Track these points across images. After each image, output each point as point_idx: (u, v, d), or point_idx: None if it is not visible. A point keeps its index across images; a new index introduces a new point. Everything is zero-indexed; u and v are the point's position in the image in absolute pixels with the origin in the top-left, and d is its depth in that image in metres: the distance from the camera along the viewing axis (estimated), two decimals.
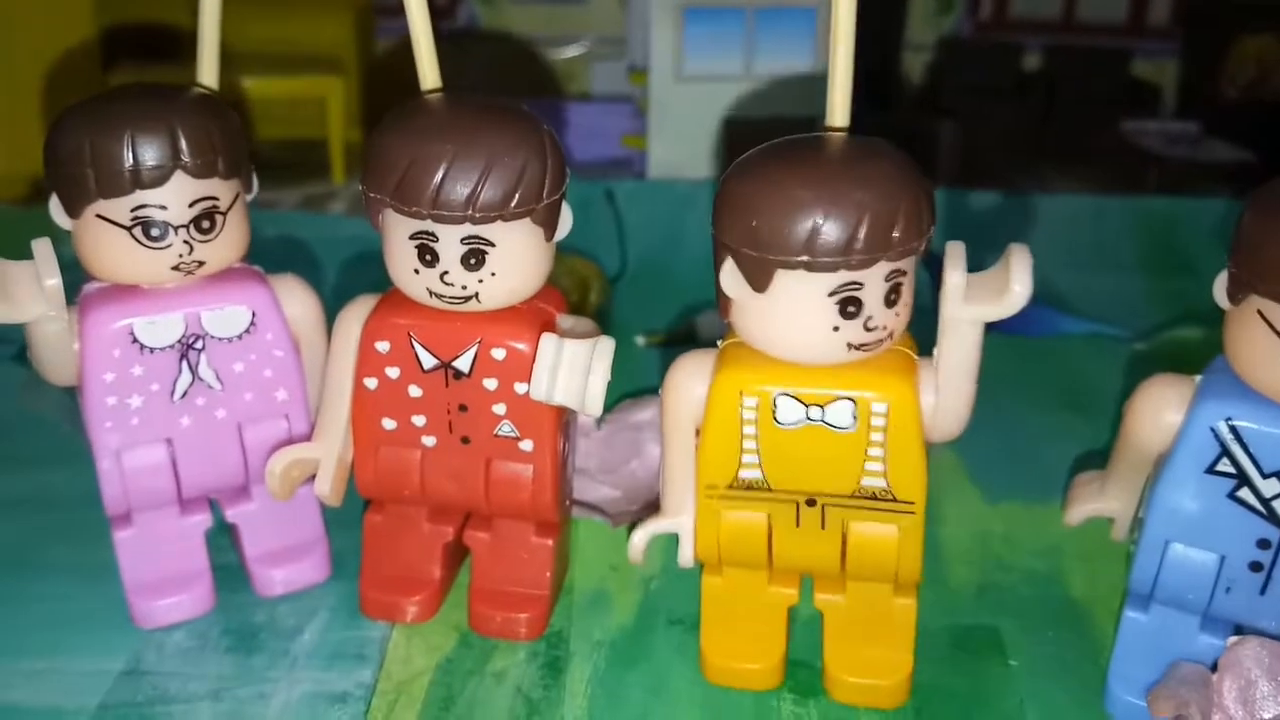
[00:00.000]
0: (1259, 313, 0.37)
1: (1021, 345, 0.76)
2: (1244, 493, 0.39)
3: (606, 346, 0.39)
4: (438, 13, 1.75)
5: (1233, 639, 0.41)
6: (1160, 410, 0.41)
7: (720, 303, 0.40)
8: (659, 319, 0.80)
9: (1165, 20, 1.70)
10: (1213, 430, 0.39)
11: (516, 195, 0.39)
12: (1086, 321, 0.80)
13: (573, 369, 0.39)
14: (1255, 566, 0.40)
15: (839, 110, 0.41)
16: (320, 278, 0.79)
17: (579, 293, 0.80)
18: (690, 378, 0.41)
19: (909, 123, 1.44)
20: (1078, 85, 1.53)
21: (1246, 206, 0.38)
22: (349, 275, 0.83)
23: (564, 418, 0.45)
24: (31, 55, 1.25)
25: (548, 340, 0.39)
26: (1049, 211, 1.00)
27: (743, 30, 1.03)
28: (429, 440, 0.44)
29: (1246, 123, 1.54)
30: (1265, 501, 0.39)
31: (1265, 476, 0.39)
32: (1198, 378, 0.40)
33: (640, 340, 0.77)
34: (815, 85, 1.06)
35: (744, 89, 1.05)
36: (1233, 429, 0.38)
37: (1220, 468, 0.39)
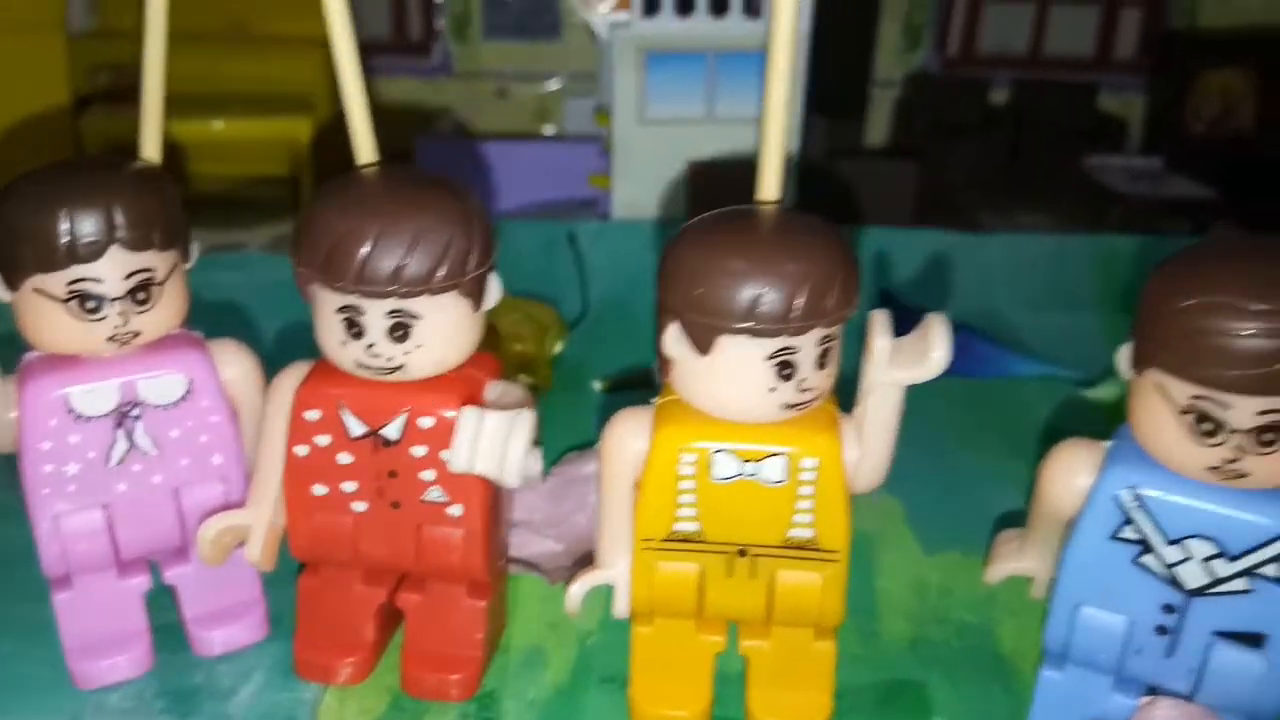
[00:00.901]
0: (1157, 386, 0.38)
1: (972, 388, 0.77)
2: (1148, 559, 0.40)
3: (526, 419, 0.40)
4: (413, 50, 1.78)
5: (1144, 699, 0.42)
6: (1071, 475, 0.42)
7: (660, 363, 0.42)
8: (618, 362, 0.81)
9: (1132, 54, 1.73)
10: (1116, 498, 0.40)
11: (442, 270, 0.40)
12: (1039, 363, 0.81)
13: (493, 440, 0.40)
14: (1161, 630, 0.41)
15: (771, 184, 0.43)
16: (288, 320, 0.79)
17: (536, 339, 0.81)
18: (629, 434, 0.43)
19: (874, 161, 1.46)
20: (1044, 120, 1.55)
21: (1150, 279, 0.39)
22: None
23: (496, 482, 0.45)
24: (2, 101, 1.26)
25: (468, 413, 0.40)
26: (1009, 250, 1.01)
27: (704, 74, 1.05)
28: (359, 506, 0.45)
29: (1211, 158, 1.56)
30: (1168, 567, 0.40)
31: (1169, 543, 0.40)
32: (1108, 444, 0.41)
33: (597, 385, 0.78)
34: None
35: (707, 132, 1.06)
36: (1137, 497, 0.40)
37: (1124, 535, 0.40)
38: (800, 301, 0.38)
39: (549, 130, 1.72)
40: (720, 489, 0.42)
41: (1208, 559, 0.39)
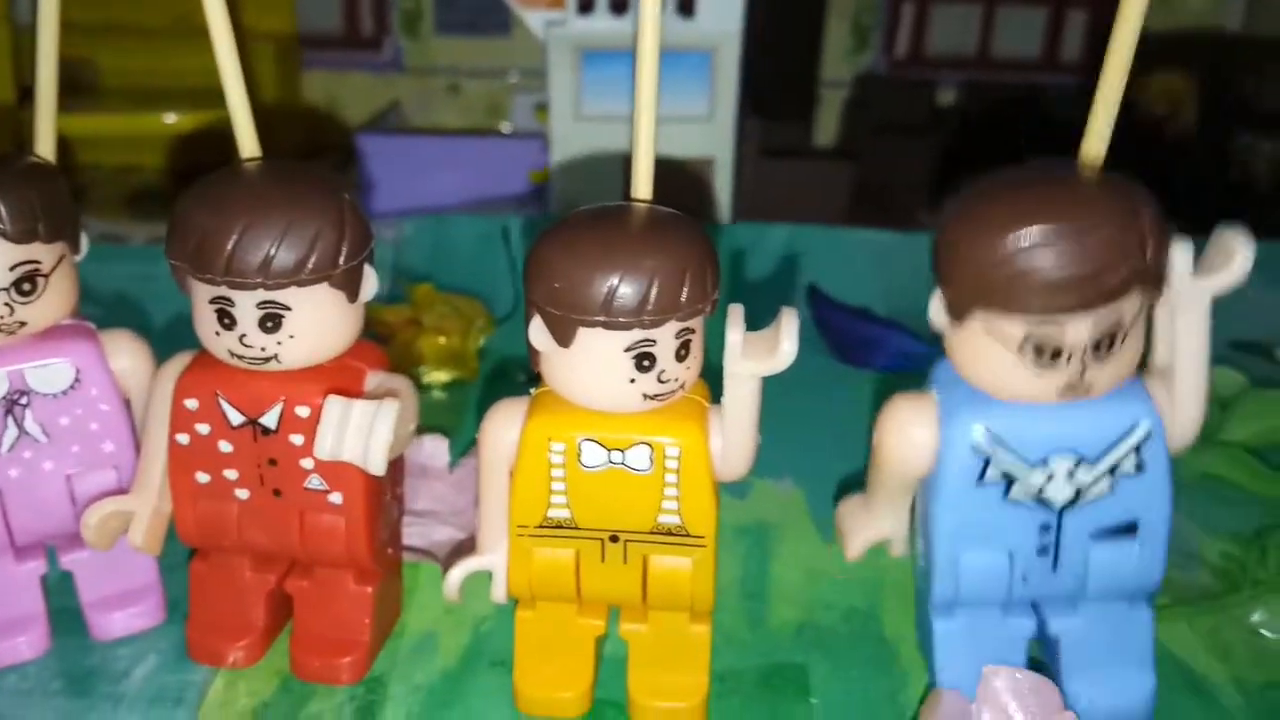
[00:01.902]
0: (986, 328, 0.39)
1: (889, 383, 0.79)
2: (1016, 491, 0.42)
3: (390, 408, 0.41)
4: (365, 45, 1.78)
5: (987, 668, 0.43)
6: (906, 428, 0.43)
7: (530, 354, 0.43)
8: None
9: (1078, 56, 1.75)
10: (972, 444, 0.41)
11: (310, 261, 0.41)
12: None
13: (358, 429, 0.41)
14: (1042, 550, 0.43)
15: (642, 182, 0.45)
16: None
17: (461, 332, 0.82)
18: (503, 424, 0.44)
19: (812, 161, 1.47)
20: (991, 121, 1.57)
21: (947, 229, 0.40)
22: None
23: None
24: None
25: (332, 401, 0.41)
26: None
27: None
28: (242, 493, 0.46)
29: (1156, 158, 1.58)
30: (1038, 491, 0.41)
31: (1031, 469, 0.41)
32: (934, 392, 0.43)
33: (522, 377, 0.79)
34: (711, 127, 1.09)
35: None
36: (991, 436, 0.41)
37: (988, 476, 0.41)
38: (655, 295, 0.39)
39: (506, 127, 1.73)
40: (589, 477, 0.43)
41: (1071, 472, 0.41)
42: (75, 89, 1.40)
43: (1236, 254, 0.39)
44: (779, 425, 0.76)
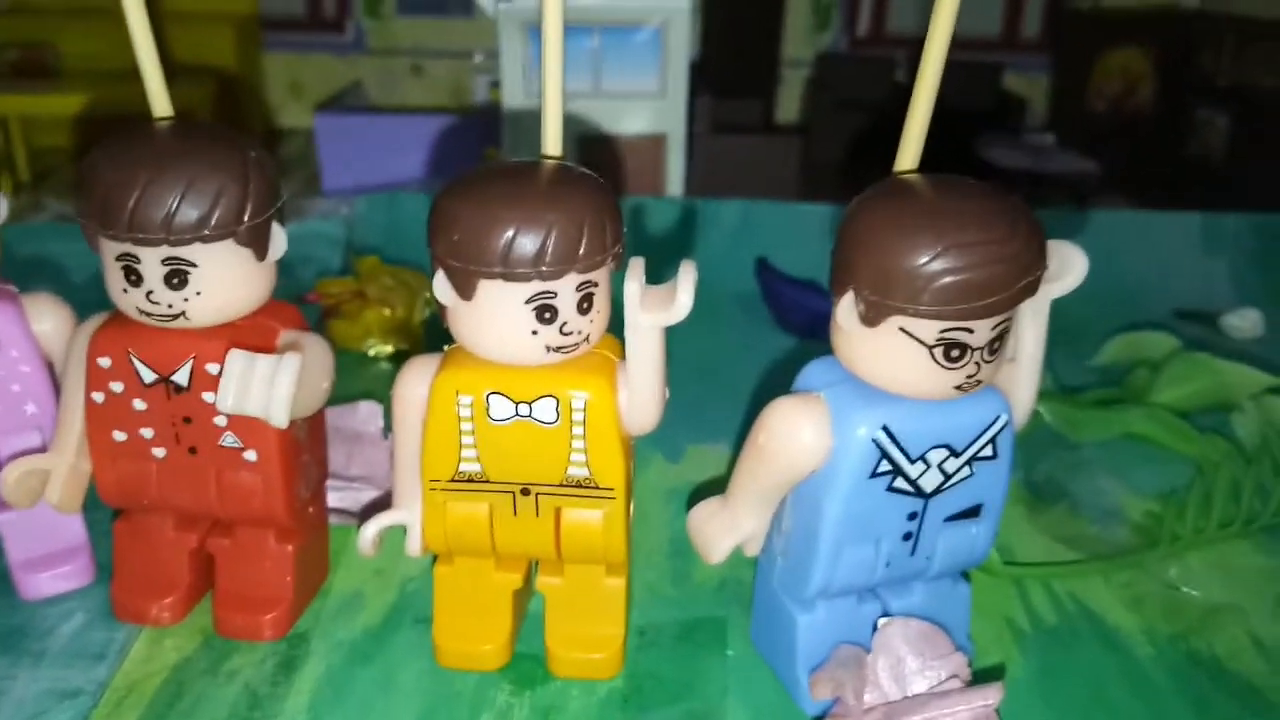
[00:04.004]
0: (902, 329, 0.40)
1: (821, 351, 0.80)
2: (899, 482, 0.43)
3: (292, 361, 0.41)
4: (326, 27, 1.78)
5: (883, 620, 0.44)
6: (797, 430, 0.43)
7: (438, 309, 0.44)
8: None
9: (1037, 34, 1.76)
10: (874, 440, 0.42)
11: (214, 218, 0.41)
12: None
13: (262, 382, 0.41)
14: (907, 536, 0.44)
15: (551, 139, 0.45)
16: None
17: (406, 304, 0.83)
18: (414, 380, 0.45)
19: (763, 137, 1.47)
20: (949, 99, 1.58)
21: (859, 240, 0.41)
22: None
23: (295, 428, 0.47)
24: None
25: (235, 355, 0.41)
26: None
27: (590, 49, 1.06)
28: (159, 452, 0.46)
29: (1114, 134, 1.60)
30: (914, 481, 0.43)
31: (913, 462, 0.42)
32: (821, 394, 0.43)
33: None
34: (664, 103, 1.10)
35: (594, 106, 1.08)
36: (889, 434, 0.42)
37: (879, 470, 0.43)
38: (552, 247, 0.40)
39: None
40: (498, 430, 0.44)
41: (942, 463, 0.43)
42: (37, 73, 1.40)
43: (1075, 264, 0.42)
44: (721, 392, 0.78)
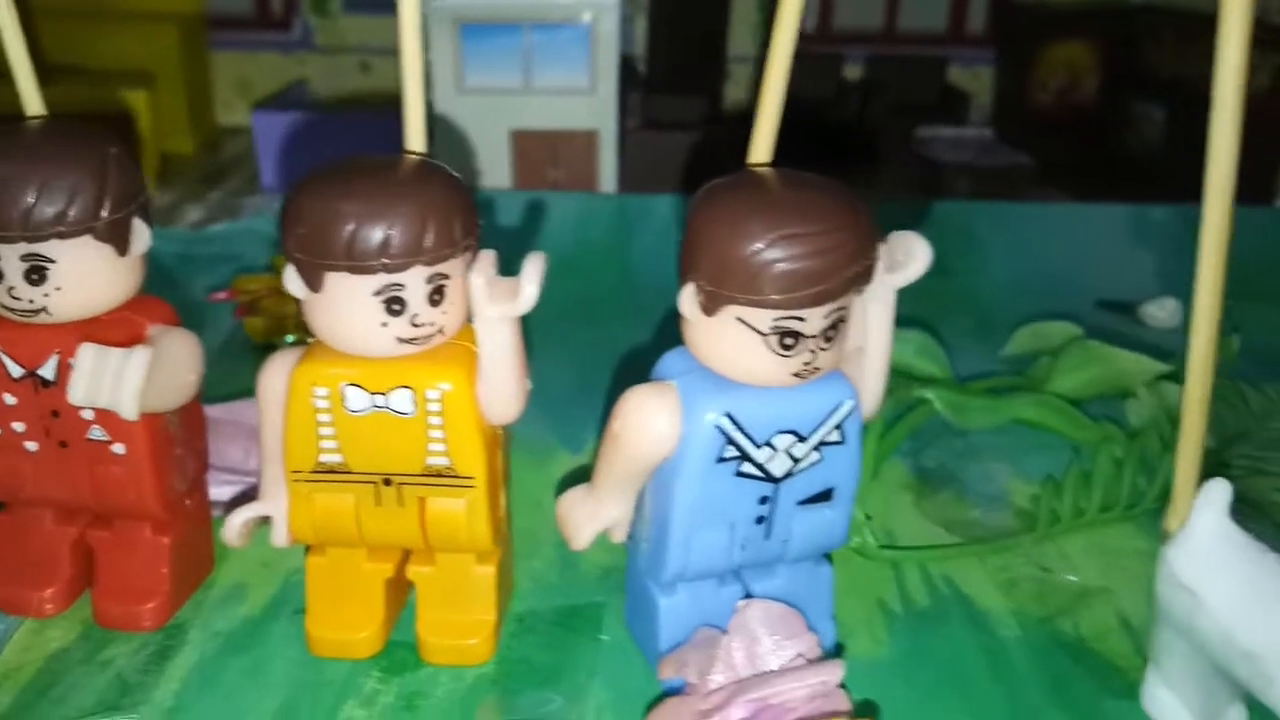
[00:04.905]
0: (739, 319, 0.41)
1: None
2: (746, 467, 0.44)
3: (141, 355, 0.42)
4: (274, 25, 1.78)
5: (740, 602, 0.45)
6: (650, 418, 0.44)
7: (296, 304, 0.45)
8: None
9: (983, 29, 1.77)
10: (718, 426, 0.43)
11: (70, 213, 0.42)
12: None
13: (111, 375, 0.42)
14: (759, 520, 0.45)
15: (414, 134, 0.46)
16: None
17: None
18: (274, 373, 0.46)
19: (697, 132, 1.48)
20: (894, 94, 1.60)
21: (703, 230, 0.42)
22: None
23: (164, 421, 0.48)
24: None
25: (85, 349, 0.42)
26: None
27: (520, 46, 1.07)
28: (31, 446, 0.47)
29: (1056, 127, 1.61)
30: (761, 466, 0.44)
31: (759, 447, 0.44)
32: (674, 382, 0.44)
33: None
34: (594, 99, 1.11)
35: (525, 102, 1.09)
36: (732, 420, 0.43)
37: (726, 455, 0.44)
38: (396, 239, 0.41)
39: None
40: (357, 421, 0.45)
41: (790, 448, 0.44)
42: None
43: (918, 253, 0.44)
44: (630, 385, 0.79)
